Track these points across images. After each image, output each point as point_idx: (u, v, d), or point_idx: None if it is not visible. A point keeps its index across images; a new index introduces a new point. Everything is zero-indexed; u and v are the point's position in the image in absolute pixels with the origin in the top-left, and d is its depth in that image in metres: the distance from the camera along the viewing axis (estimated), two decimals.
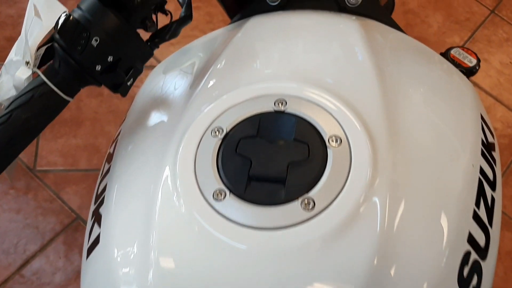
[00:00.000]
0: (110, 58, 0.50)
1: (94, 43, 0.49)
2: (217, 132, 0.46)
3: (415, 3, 2.22)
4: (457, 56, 0.87)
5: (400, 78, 0.54)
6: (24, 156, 1.67)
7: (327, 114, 0.46)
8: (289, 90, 0.48)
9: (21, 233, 1.56)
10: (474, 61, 0.86)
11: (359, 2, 0.67)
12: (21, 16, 1.91)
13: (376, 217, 0.41)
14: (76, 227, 1.60)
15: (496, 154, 0.56)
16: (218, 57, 0.55)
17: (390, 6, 0.96)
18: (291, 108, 0.46)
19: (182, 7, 0.63)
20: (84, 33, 0.49)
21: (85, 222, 1.61)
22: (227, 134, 0.46)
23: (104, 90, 0.54)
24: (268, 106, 0.47)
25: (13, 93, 0.53)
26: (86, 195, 1.66)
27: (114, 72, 0.51)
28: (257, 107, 0.47)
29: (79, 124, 1.75)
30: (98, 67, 0.50)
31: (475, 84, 2.03)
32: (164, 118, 0.55)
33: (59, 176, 1.67)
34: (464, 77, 0.63)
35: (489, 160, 0.53)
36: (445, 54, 0.88)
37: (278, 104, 0.47)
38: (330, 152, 0.44)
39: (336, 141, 0.44)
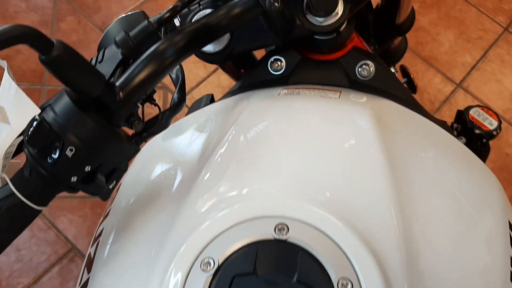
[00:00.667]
0: (87, 168, 0.44)
1: (68, 153, 0.43)
2: (207, 266, 0.40)
3: (426, 20, 2.14)
4: (476, 117, 0.80)
5: (420, 185, 0.47)
6: None
7: (336, 247, 0.39)
8: (291, 211, 0.41)
9: (13, 265, 1.50)
10: (495, 124, 0.79)
11: (372, 75, 0.60)
12: None
13: None
14: (72, 258, 1.55)
15: None
16: (212, 153, 0.49)
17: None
18: (293, 237, 0.40)
19: (175, 87, 0.56)
20: (57, 142, 0.42)
21: (80, 252, 1.55)
22: (219, 267, 0.40)
23: None
24: (267, 233, 0.41)
25: None
26: (82, 224, 1.60)
27: (93, 181, 0.45)
28: (255, 232, 0.41)
29: None
30: (74, 178, 0.44)
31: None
32: (150, 228, 0.48)
33: (54, 203, 1.61)
34: (489, 171, 0.56)
35: None
36: (464, 114, 0.81)
37: (279, 230, 0.41)
38: None
39: (347, 286, 0.38)
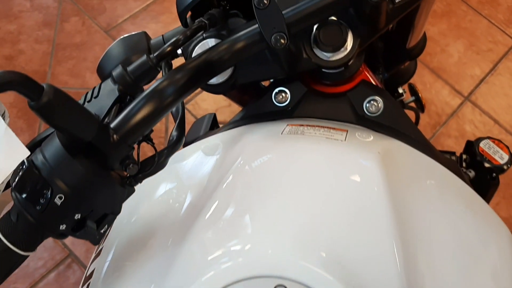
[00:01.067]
0: (77, 216, 0.42)
1: (57, 201, 0.40)
2: None
3: (435, 30, 2.10)
4: (486, 150, 0.77)
5: (428, 238, 0.45)
6: None
7: None
8: (290, 272, 0.39)
9: None
10: (506, 158, 0.76)
11: (380, 111, 0.58)
12: (22, 33, 1.82)
13: None
14: (69, 264, 1.53)
15: None
16: (211, 196, 0.47)
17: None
18: None
19: (174, 122, 0.54)
20: (46, 189, 0.40)
21: (77, 259, 1.53)
22: None
23: None
24: None
25: None
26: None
27: (83, 228, 0.43)
28: None
29: None
30: (63, 227, 0.42)
31: (495, 122, 1.92)
32: (144, 271, 0.46)
33: None
34: (496, 216, 0.54)
35: None
36: (474, 146, 0.79)
37: None
38: None
39: None
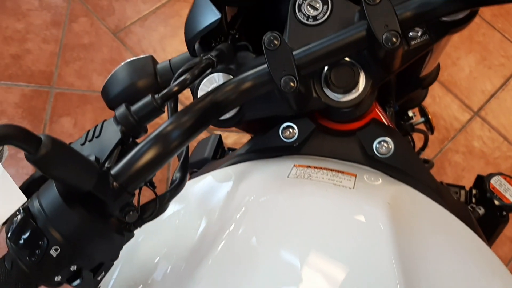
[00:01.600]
0: (73, 268, 0.40)
1: (53, 252, 0.39)
2: None
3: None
4: (497, 187, 0.76)
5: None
6: None
7: None
8: None
9: None
10: None
11: (390, 153, 0.56)
12: (30, 32, 1.81)
13: None
14: None
15: None
16: (213, 246, 0.45)
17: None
18: None
19: (178, 162, 0.52)
20: (41, 240, 0.39)
21: None
22: None
23: None
24: None
25: None
26: None
27: (78, 278, 0.41)
28: None
29: None
30: (58, 278, 0.40)
31: (504, 138, 1.89)
32: None
33: None
34: (503, 266, 0.52)
35: None
36: (484, 182, 0.77)
37: None
38: None
39: None
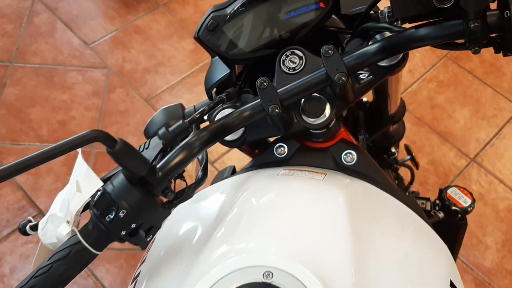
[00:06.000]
0: (133, 226, 0.62)
1: (121, 214, 0.60)
2: None
3: (442, 98, 2.30)
4: (453, 195, 0.95)
5: (377, 251, 0.62)
6: None
7: None
8: (275, 263, 0.57)
9: None
10: (469, 202, 0.94)
11: (354, 161, 0.77)
12: (73, 101, 2.11)
13: None
14: None
15: None
16: (223, 218, 0.66)
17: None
18: (276, 281, 0.56)
19: (200, 166, 0.75)
20: (114, 207, 0.60)
21: None
22: None
23: None
24: (257, 277, 0.57)
25: (54, 240, 0.65)
26: (117, 273, 1.78)
27: (136, 235, 0.63)
28: (249, 276, 0.57)
29: None
30: (123, 232, 0.62)
31: (500, 181, 2.06)
32: (175, 271, 0.65)
33: None
34: (439, 239, 0.71)
35: None
36: (443, 192, 0.97)
37: (266, 276, 0.57)
38: None
39: None
